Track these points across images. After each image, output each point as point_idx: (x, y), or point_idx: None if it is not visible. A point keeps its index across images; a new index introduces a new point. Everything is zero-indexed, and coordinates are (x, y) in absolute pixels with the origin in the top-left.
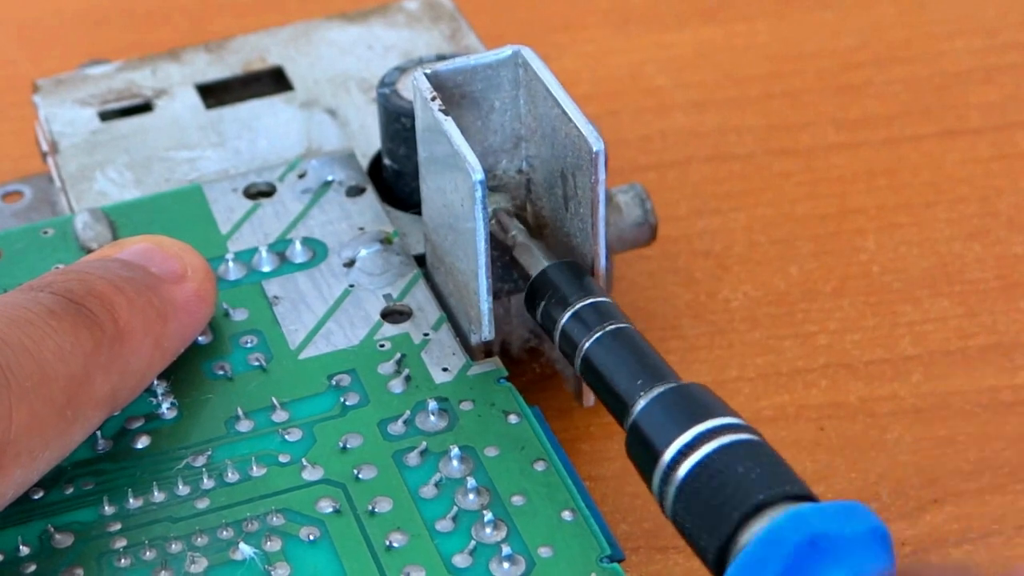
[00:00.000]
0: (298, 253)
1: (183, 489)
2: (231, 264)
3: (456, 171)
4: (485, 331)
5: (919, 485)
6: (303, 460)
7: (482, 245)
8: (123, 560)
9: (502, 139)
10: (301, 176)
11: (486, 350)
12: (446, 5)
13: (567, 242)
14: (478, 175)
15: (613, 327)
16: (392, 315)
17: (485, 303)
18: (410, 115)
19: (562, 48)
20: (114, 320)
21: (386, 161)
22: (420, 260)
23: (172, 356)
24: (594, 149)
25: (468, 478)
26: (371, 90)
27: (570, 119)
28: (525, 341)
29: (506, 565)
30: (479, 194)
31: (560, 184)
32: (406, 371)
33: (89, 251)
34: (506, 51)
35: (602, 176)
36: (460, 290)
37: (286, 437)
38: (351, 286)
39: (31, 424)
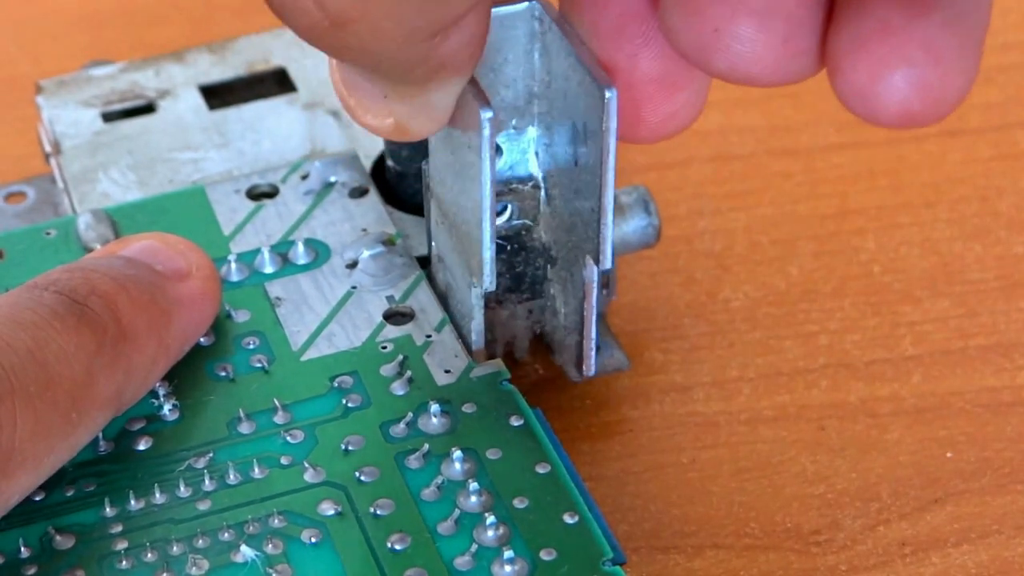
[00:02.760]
0: (300, 254)
1: (184, 491)
2: (233, 265)
3: (465, 108)
4: (487, 280)
5: (919, 485)
6: (305, 462)
7: (487, 185)
8: (124, 562)
9: (515, 95)
10: (304, 177)
11: (488, 353)
12: None
13: (575, 210)
14: (488, 113)
15: None
16: (394, 317)
17: (488, 251)
18: None
19: None
20: (117, 320)
21: (389, 163)
22: (423, 262)
23: (178, 354)
24: (606, 95)
25: (470, 480)
26: None
27: (583, 65)
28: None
29: (508, 568)
30: (487, 132)
31: (572, 145)
32: (408, 373)
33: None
34: (522, 4)
35: (613, 124)
36: (462, 241)
37: (288, 439)
38: (353, 288)
39: (36, 429)
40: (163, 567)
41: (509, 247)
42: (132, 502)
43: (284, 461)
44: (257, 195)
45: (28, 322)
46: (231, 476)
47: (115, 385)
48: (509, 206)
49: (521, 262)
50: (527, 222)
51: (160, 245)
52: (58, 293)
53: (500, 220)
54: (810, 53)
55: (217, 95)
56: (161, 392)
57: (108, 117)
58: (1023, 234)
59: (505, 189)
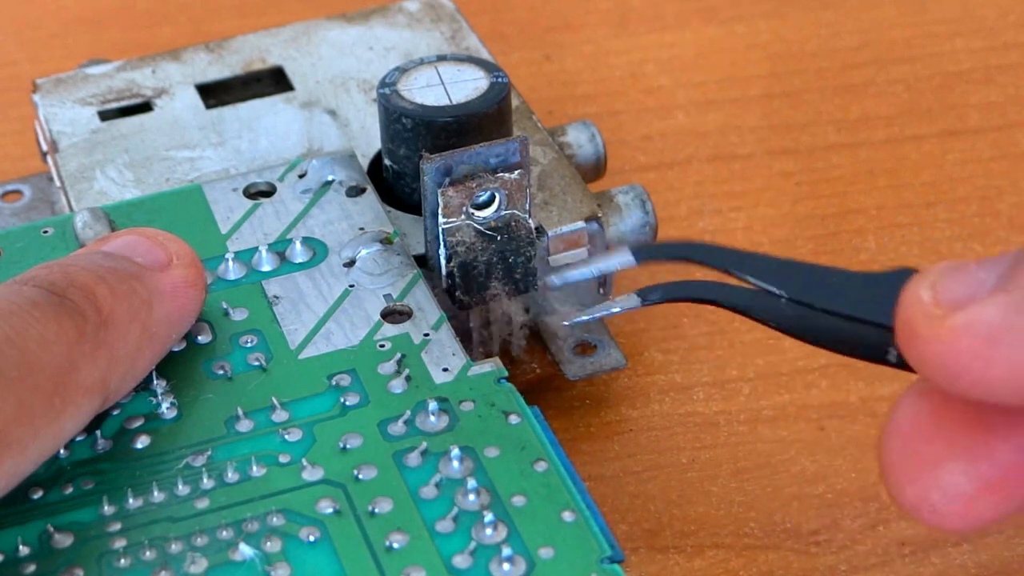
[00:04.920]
0: (298, 253)
1: (183, 489)
2: (231, 264)
3: None
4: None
5: None
6: (303, 460)
7: None
8: (123, 560)
9: None
10: (301, 176)
11: (486, 351)
12: (447, 6)
13: None
14: None
15: None
16: (392, 315)
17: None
18: (410, 115)
19: (562, 48)
20: (96, 308)
21: (386, 161)
22: (420, 260)
23: (164, 342)
24: None
25: (468, 479)
26: (371, 90)
27: None
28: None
29: (506, 566)
30: None
31: None
32: (406, 371)
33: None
34: None
35: None
36: None
37: (286, 437)
38: (351, 286)
39: (19, 414)
40: (162, 565)
41: (499, 237)
42: (130, 500)
43: (282, 459)
44: (254, 194)
45: (6, 312)
46: (229, 474)
47: (99, 372)
48: (496, 195)
49: (511, 251)
50: (515, 211)
51: (139, 239)
52: (37, 287)
53: (488, 211)
54: None
55: (214, 94)
56: (159, 390)
57: (105, 115)
58: (1023, 234)
59: (491, 178)
